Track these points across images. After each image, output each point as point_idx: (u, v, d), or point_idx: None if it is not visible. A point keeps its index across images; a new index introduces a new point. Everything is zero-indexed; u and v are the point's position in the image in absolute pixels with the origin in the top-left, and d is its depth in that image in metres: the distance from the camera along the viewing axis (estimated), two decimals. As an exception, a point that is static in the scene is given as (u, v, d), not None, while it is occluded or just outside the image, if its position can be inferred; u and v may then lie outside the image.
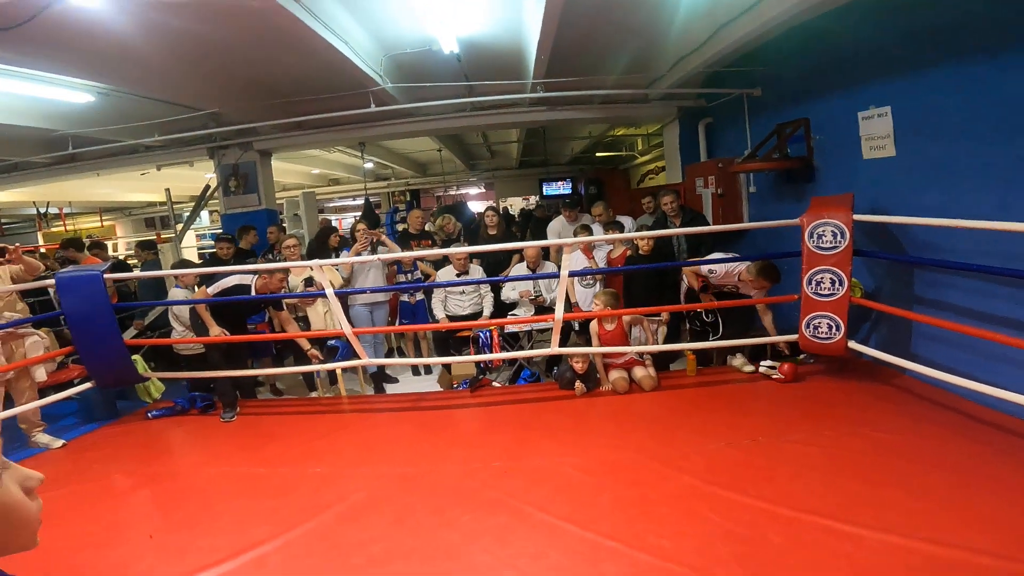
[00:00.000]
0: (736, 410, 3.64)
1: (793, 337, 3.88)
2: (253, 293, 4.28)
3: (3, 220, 12.12)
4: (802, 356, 4.07)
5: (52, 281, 4.06)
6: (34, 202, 11.16)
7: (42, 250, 9.86)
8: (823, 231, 3.56)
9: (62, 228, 13.17)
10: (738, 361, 4.30)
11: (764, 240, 5.10)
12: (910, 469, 2.68)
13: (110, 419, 4.43)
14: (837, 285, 3.57)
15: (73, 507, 2.99)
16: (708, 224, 4.90)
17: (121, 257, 9.46)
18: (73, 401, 4.38)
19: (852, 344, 3.69)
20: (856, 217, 3.49)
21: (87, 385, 4.28)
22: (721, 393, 3.98)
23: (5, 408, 3.77)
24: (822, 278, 3.61)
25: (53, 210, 12.30)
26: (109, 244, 10.78)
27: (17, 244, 3.96)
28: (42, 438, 3.93)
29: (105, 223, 14.33)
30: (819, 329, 3.69)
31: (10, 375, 3.78)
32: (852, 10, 3.71)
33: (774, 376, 3.97)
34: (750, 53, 4.95)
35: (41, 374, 3.96)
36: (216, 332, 4.20)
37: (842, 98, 4.23)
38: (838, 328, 3.61)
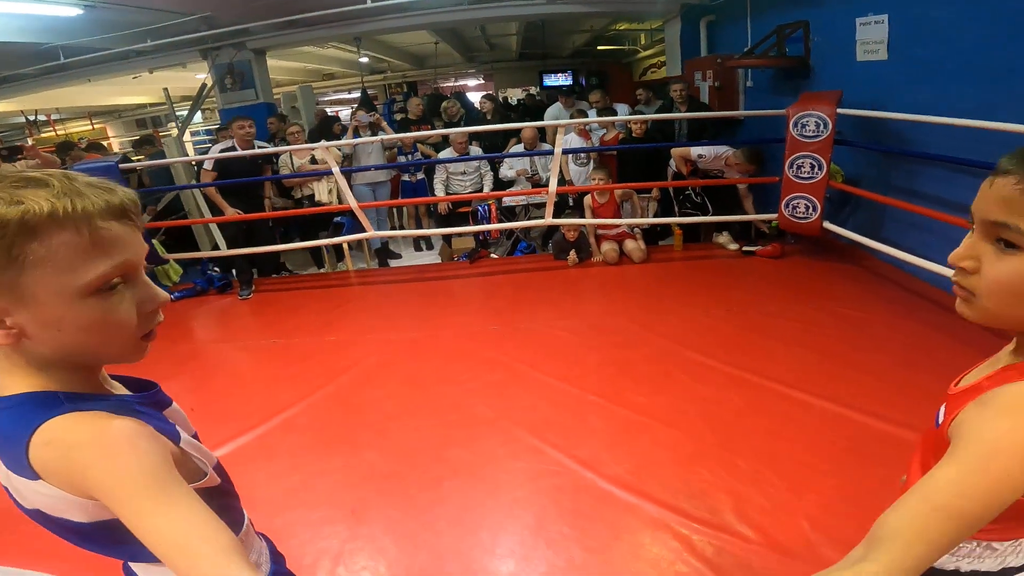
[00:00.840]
0: (717, 283, 3.74)
1: (772, 216, 3.93)
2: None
3: (-7, 128, 11.80)
4: (785, 237, 4.16)
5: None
6: (22, 111, 10.80)
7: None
8: (807, 121, 3.57)
9: (52, 133, 12.84)
10: (723, 238, 4.35)
11: (758, 131, 5.05)
12: (863, 344, 2.78)
13: None
14: (816, 169, 3.60)
15: None
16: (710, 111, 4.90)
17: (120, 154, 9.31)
18: None
19: (827, 225, 3.73)
20: (839, 111, 3.49)
21: None
22: (705, 267, 4.07)
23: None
24: (803, 163, 3.63)
25: (42, 117, 11.93)
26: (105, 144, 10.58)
27: (32, 142, 3.96)
28: None
29: (96, 126, 13.92)
30: (797, 209, 3.74)
31: None
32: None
33: (757, 252, 4.07)
34: None
35: None
36: (230, 212, 4.24)
37: (842, 3, 4.11)
38: (815, 208, 3.67)
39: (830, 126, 3.52)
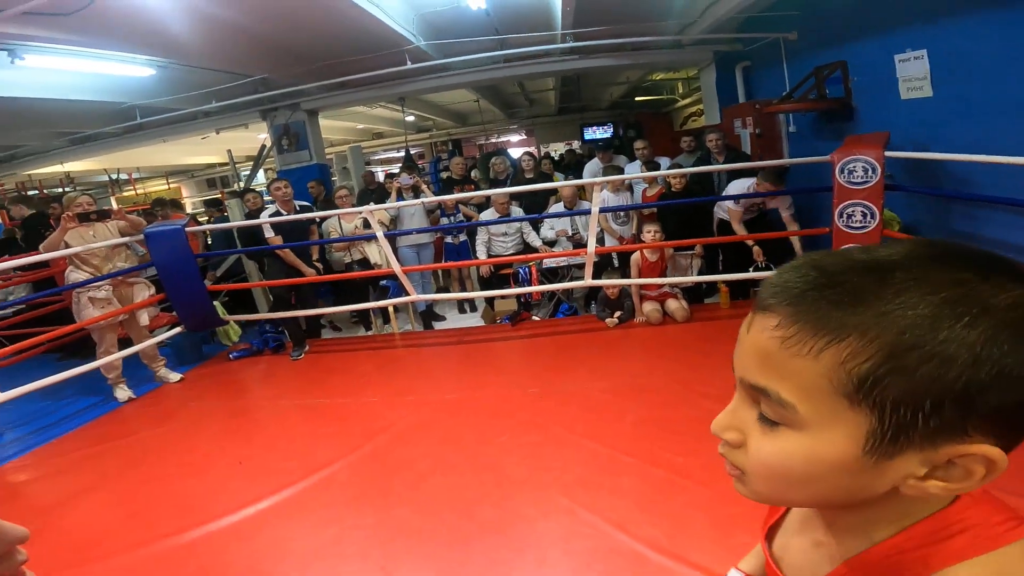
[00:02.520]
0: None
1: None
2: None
3: (79, 188, 12.94)
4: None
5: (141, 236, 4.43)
6: (105, 169, 11.85)
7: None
8: (854, 167, 3.54)
9: (132, 192, 13.97)
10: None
11: (803, 178, 5.03)
12: None
13: (198, 362, 4.90)
14: (868, 218, 3.55)
15: (175, 442, 3.37)
16: (750, 162, 4.89)
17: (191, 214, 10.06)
18: (166, 347, 4.80)
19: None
20: (887, 153, 3.45)
21: (177, 329, 4.73)
22: (752, 325, 4.05)
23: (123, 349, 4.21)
24: (853, 211, 3.59)
25: (123, 176, 13.04)
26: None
27: (120, 206, 4.35)
28: (163, 372, 4.42)
29: (171, 185, 15.09)
30: (850, 260, 3.69)
31: (124, 318, 4.20)
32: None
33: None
34: None
35: (145, 318, 4.39)
36: (310, 272, 4.67)
37: (879, 42, 4.15)
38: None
39: (879, 170, 3.48)
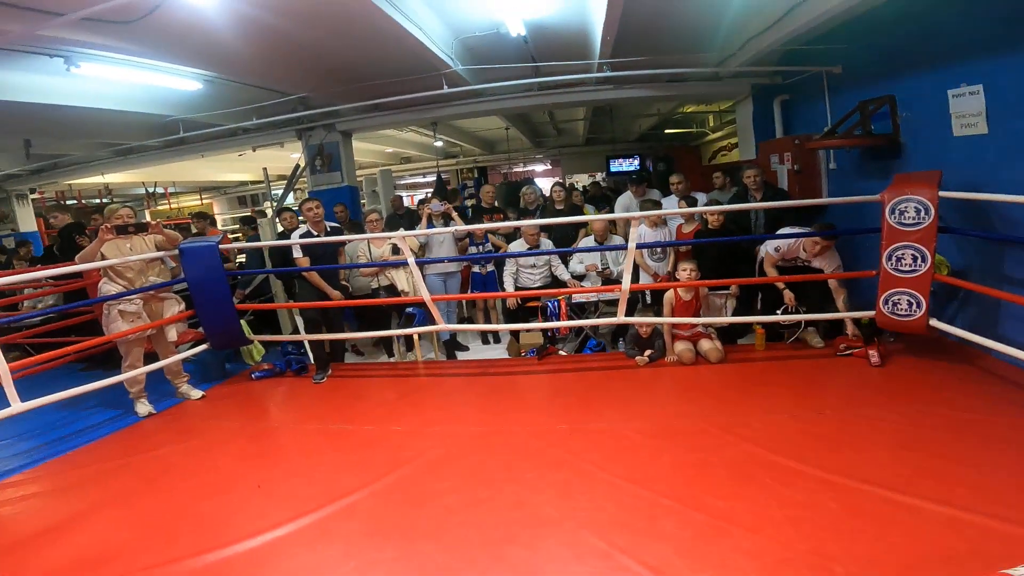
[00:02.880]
0: (804, 384, 3.60)
1: (870, 313, 3.75)
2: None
3: (116, 199, 13.31)
4: (882, 335, 3.93)
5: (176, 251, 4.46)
6: (143, 182, 12.17)
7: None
8: (905, 207, 3.43)
9: (167, 206, 14.30)
10: (812, 337, 4.20)
11: (843, 218, 4.91)
12: (982, 447, 2.60)
13: (221, 379, 4.91)
14: (919, 261, 3.42)
15: (194, 460, 3.34)
16: (789, 200, 4.78)
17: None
18: (190, 363, 4.80)
19: (934, 322, 3.53)
20: (943, 194, 3.33)
21: (203, 347, 4.74)
22: (790, 368, 3.93)
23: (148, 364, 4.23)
24: (903, 254, 3.47)
25: (159, 190, 13.38)
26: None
27: (158, 220, 4.41)
28: (185, 388, 4.45)
29: (204, 201, 15.45)
30: (898, 306, 3.56)
31: (152, 332, 4.22)
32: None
33: (854, 353, 3.84)
34: (830, 31, 4.80)
35: (173, 334, 4.41)
36: (335, 295, 4.67)
37: (930, 76, 4.06)
38: (919, 305, 3.47)
39: (932, 212, 3.37)
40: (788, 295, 4.15)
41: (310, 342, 4.81)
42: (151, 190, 12.99)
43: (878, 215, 3.76)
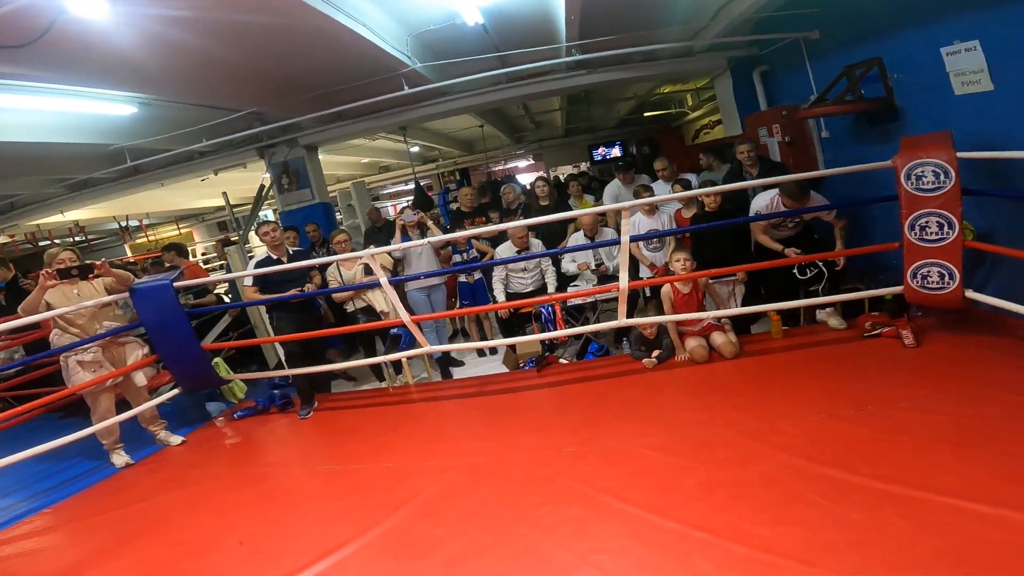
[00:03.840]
0: (835, 375, 3.26)
1: (898, 289, 3.43)
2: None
3: (90, 237, 12.89)
4: (910, 309, 3.62)
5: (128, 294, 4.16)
6: (114, 217, 11.78)
7: (131, 260, 10.50)
8: (923, 171, 3.13)
9: (145, 239, 13.90)
10: (832, 319, 3.88)
11: (843, 187, 4.65)
12: None
13: (201, 422, 4.62)
14: (947, 228, 3.11)
15: (173, 514, 3.10)
16: (788, 173, 4.42)
17: (200, 261, 9.86)
18: (167, 406, 4.55)
19: (970, 293, 3.22)
20: (961, 155, 3.05)
21: (176, 391, 4.43)
22: (814, 356, 3.60)
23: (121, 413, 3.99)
24: (927, 222, 3.16)
25: (134, 223, 12.97)
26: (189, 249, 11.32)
27: (104, 259, 4.09)
28: (163, 435, 4.20)
29: (182, 230, 15.04)
30: (928, 279, 3.24)
31: (119, 380, 3.98)
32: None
33: (883, 332, 3.53)
34: None
35: (141, 379, 4.13)
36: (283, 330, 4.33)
37: (918, 34, 3.85)
38: (952, 276, 3.16)
39: (953, 175, 3.08)
40: (792, 252, 3.86)
41: (294, 376, 4.46)
42: (124, 224, 12.58)
43: (883, 182, 3.51)
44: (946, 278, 3.18)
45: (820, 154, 5.51)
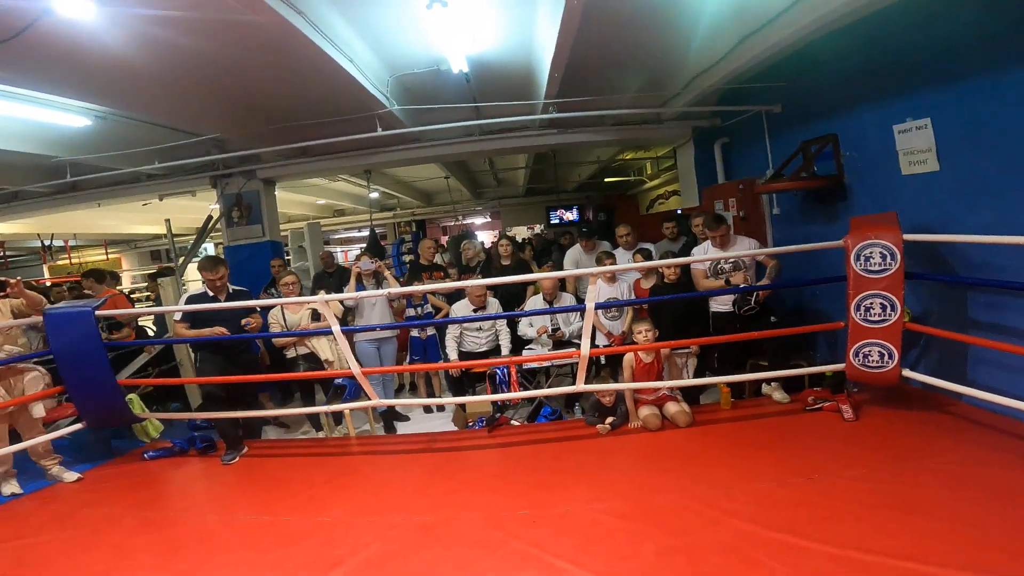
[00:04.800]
0: (781, 445, 3.37)
1: (840, 366, 3.62)
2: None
3: (8, 253, 12.02)
4: (846, 385, 3.81)
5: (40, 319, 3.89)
6: (38, 234, 11.07)
7: (48, 283, 9.76)
8: (871, 253, 3.33)
9: (67, 261, 13.06)
10: (776, 393, 4.03)
11: (793, 264, 4.80)
12: (991, 503, 2.43)
13: (104, 459, 4.24)
14: (889, 310, 3.32)
15: (59, 556, 2.81)
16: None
17: (126, 291, 9.30)
18: (65, 440, 4.18)
19: (907, 372, 3.44)
20: (907, 237, 3.28)
21: (78, 426, 4.08)
22: (761, 428, 3.70)
23: (13, 443, 3.75)
24: (872, 303, 3.36)
25: (58, 242, 12.21)
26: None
27: (19, 278, 3.85)
28: (56, 471, 3.89)
29: (111, 256, 14.24)
30: (869, 357, 3.43)
31: (11, 410, 3.72)
32: (879, 19, 3.59)
33: (824, 407, 3.69)
34: (769, 68, 4.80)
35: (39, 410, 3.84)
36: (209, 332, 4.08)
37: (873, 111, 4.07)
38: (891, 356, 3.36)
39: (899, 257, 3.27)
40: (737, 279, 4.04)
41: (216, 419, 4.19)
42: (48, 243, 11.80)
43: (827, 262, 3.70)
44: (886, 357, 3.37)
45: (770, 231, 5.71)
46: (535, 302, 4.86)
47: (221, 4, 3.05)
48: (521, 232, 15.72)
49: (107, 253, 13.98)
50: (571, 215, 13.04)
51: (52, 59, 3.67)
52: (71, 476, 3.86)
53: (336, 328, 3.88)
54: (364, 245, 10.32)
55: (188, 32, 3.54)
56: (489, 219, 17.26)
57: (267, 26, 3.35)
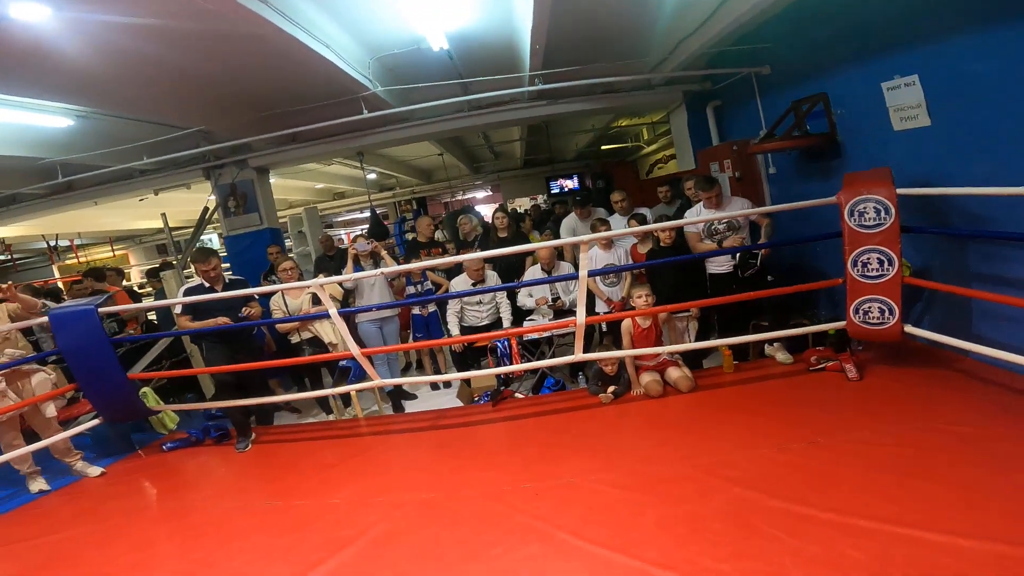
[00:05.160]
0: (784, 408, 3.35)
1: (840, 324, 3.57)
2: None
3: (15, 256, 12.10)
4: (851, 343, 3.77)
5: (46, 319, 3.92)
6: (43, 235, 11.14)
7: (59, 283, 9.87)
8: (864, 208, 3.26)
9: (75, 260, 13.16)
10: (779, 354, 4.01)
11: (790, 222, 4.76)
12: (995, 465, 2.39)
13: (125, 453, 4.36)
14: (887, 265, 3.25)
15: (84, 550, 2.90)
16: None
17: (135, 286, 9.38)
18: (86, 436, 4.30)
19: (909, 328, 3.38)
20: (900, 191, 3.20)
21: (95, 421, 4.17)
22: (764, 390, 3.69)
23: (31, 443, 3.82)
24: (868, 258, 3.29)
25: (64, 242, 12.28)
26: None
27: (10, 282, 3.89)
28: (80, 466, 3.99)
29: (117, 253, 14.32)
30: (870, 314, 3.38)
31: (24, 411, 3.79)
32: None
33: (827, 367, 3.66)
34: (754, 30, 4.77)
35: (51, 410, 3.94)
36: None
37: (861, 69, 4.02)
38: (891, 312, 3.30)
39: (893, 211, 3.21)
40: (732, 241, 4.06)
41: (227, 408, 4.25)
42: (53, 243, 11.87)
43: (823, 218, 3.65)
44: (886, 313, 3.32)
45: (767, 190, 5.69)
46: (533, 272, 4.85)
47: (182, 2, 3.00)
48: (524, 203, 15.63)
49: (113, 250, 14.07)
50: (572, 183, 12.94)
51: (18, 62, 3.61)
52: (95, 471, 3.96)
53: (333, 311, 3.89)
54: (367, 227, 10.30)
55: (153, 33, 3.48)
56: (490, 192, 17.12)
57: (234, 18, 3.27)
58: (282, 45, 3.79)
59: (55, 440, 3.84)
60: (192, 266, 4.25)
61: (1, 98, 4.36)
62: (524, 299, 4.87)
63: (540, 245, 4.82)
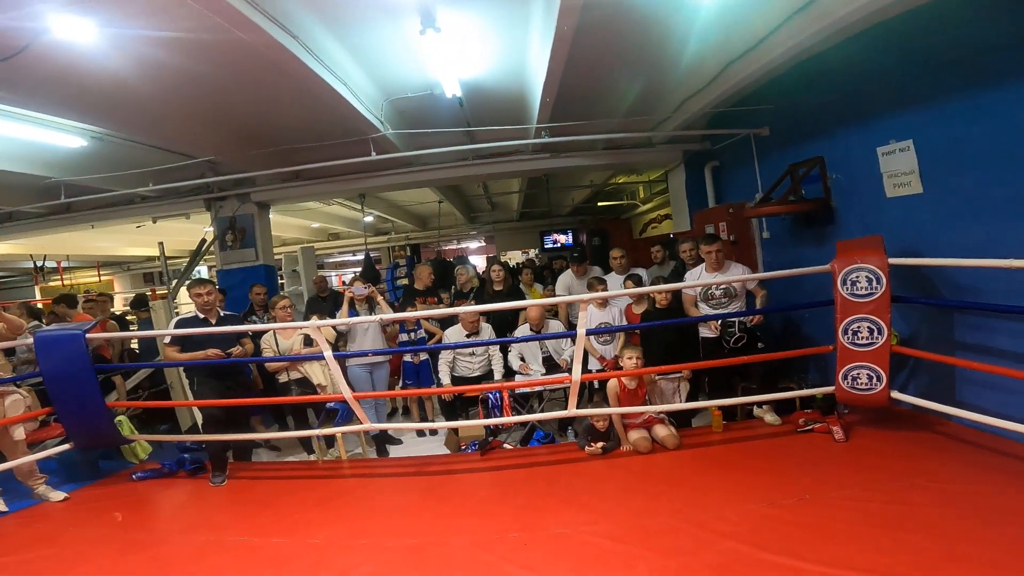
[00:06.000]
0: (773, 466, 3.39)
1: (829, 389, 3.66)
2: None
3: (0, 274, 11.96)
4: (838, 407, 3.84)
5: (31, 340, 3.90)
6: (31, 255, 11.04)
7: (39, 304, 9.70)
8: (857, 277, 3.38)
9: (60, 283, 13.00)
10: (767, 415, 4.06)
11: (782, 289, 4.88)
12: (982, 519, 2.47)
13: (91, 480, 4.21)
14: (876, 334, 3.37)
15: (43, 575, 2.79)
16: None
17: (117, 313, 9.27)
18: (53, 460, 4.17)
19: (895, 394, 3.47)
20: (892, 261, 3.33)
21: (65, 446, 4.06)
22: (752, 449, 3.72)
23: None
24: (859, 327, 3.41)
25: (51, 264, 12.16)
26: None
27: (39, 289, 3.86)
28: (42, 490, 3.88)
29: (103, 278, 14.18)
30: (858, 380, 3.48)
31: None
32: (862, 41, 3.68)
33: (815, 428, 3.72)
34: (756, 91, 4.91)
35: (20, 433, 3.84)
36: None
37: (858, 133, 4.14)
38: (879, 379, 3.40)
39: (884, 281, 3.32)
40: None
41: (207, 441, 4.17)
42: (40, 264, 11.76)
43: (816, 285, 3.74)
44: (874, 380, 3.42)
45: (760, 255, 5.75)
46: (523, 332, 4.89)
47: (216, 25, 3.11)
48: (516, 257, 15.81)
49: (99, 275, 13.93)
50: (565, 239, 13.14)
51: (49, 79, 3.73)
52: (57, 496, 3.84)
53: (328, 353, 3.88)
54: (359, 269, 10.36)
55: (183, 52, 3.61)
56: (483, 243, 17.33)
57: (261, 49, 3.40)
58: (302, 78, 3.90)
59: (22, 462, 3.74)
60: (188, 292, 4.25)
61: (20, 113, 4.44)
62: (513, 359, 4.90)
63: (535, 303, 4.89)
